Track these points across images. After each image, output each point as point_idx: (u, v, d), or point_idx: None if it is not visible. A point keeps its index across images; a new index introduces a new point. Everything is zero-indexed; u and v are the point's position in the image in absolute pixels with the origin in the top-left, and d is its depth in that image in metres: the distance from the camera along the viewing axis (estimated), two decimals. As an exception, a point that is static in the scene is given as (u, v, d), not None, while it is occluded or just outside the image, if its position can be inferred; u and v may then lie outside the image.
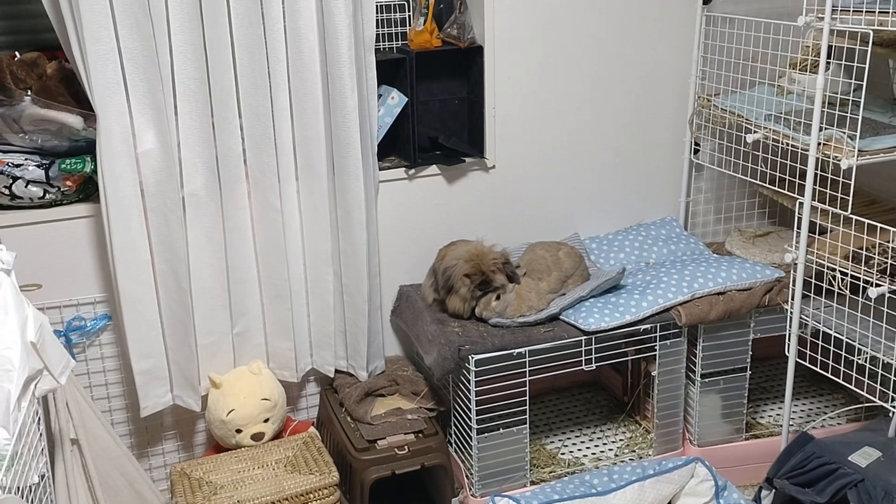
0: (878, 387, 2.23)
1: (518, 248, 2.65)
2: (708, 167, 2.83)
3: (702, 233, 2.95)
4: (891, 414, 2.22)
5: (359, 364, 2.49)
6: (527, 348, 2.25)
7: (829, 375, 2.34)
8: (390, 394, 2.46)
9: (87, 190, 2.24)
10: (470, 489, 2.24)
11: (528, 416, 2.26)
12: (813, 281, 2.32)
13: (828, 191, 2.24)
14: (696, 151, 2.82)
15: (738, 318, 2.46)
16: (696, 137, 2.79)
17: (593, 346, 2.31)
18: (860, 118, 2.15)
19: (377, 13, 2.40)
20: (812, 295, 2.30)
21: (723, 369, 2.50)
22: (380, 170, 2.46)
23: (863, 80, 2.10)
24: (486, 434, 2.22)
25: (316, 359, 2.53)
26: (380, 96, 2.46)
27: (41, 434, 1.69)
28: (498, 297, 2.34)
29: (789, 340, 2.36)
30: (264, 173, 2.32)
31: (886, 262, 2.13)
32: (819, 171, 2.24)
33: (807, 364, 2.39)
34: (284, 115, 2.30)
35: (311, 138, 2.35)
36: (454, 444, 2.33)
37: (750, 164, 2.54)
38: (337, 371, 2.52)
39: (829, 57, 2.16)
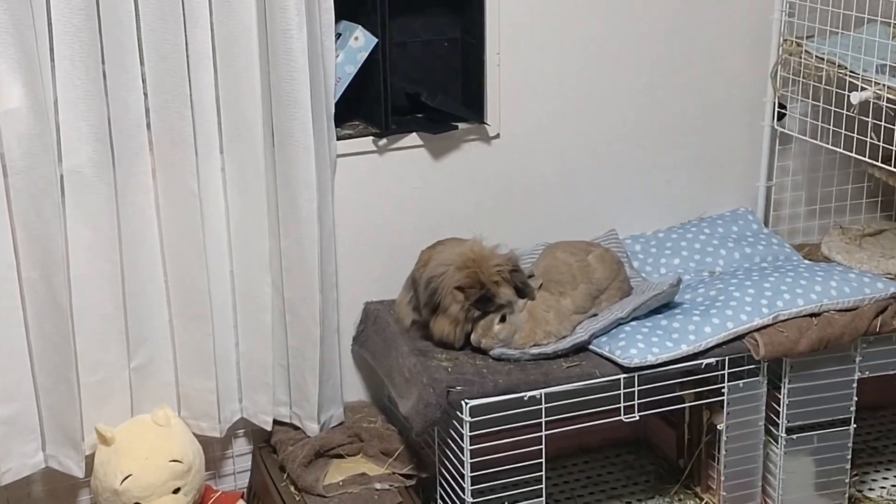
0: None
1: (532, 250, 2.66)
2: (797, 138, 2.84)
3: (788, 230, 2.95)
4: None
5: (307, 412, 2.51)
6: (543, 391, 2.26)
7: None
8: (351, 454, 2.48)
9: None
10: (463, 589, 2.29)
11: (544, 487, 2.27)
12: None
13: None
14: (781, 117, 2.82)
15: (838, 349, 2.48)
16: (780, 97, 2.80)
17: (636, 389, 2.32)
18: None
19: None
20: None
21: (817, 421, 2.52)
22: (338, 139, 2.48)
23: None
24: (485, 511, 2.28)
25: (247, 405, 2.55)
26: (339, 36, 2.46)
27: None
28: (503, 319, 2.36)
29: (911, 382, 2.46)
30: (175, 143, 2.30)
31: None
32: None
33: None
34: (204, 62, 2.31)
35: (242, 94, 2.33)
36: (441, 526, 2.39)
37: (856, 135, 2.54)
38: (277, 422, 2.55)
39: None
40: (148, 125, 2.31)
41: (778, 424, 2.51)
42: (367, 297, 2.62)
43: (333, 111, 2.44)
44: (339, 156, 2.50)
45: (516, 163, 2.70)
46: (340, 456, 2.47)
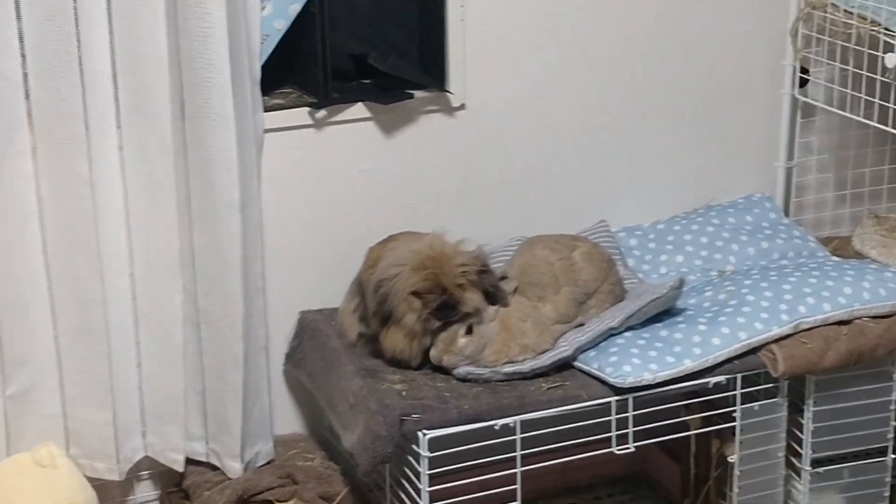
0: None
1: (505, 246, 2.66)
2: (823, 110, 2.86)
3: (813, 220, 2.97)
4: None
5: (228, 449, 2.51)
6: (518, 418, 2.26)
7: None
8: (283, 499, 2.47)
9: None
10: None
11: (520, 535, 2.27)
12: None
13: None
14: (804, 84, 2.83)
15: (872, 363, 2.49)
16: (802, 60, 2.81)
17: (630, 414, 2.32)
18: None
19: None
20: None
21: (848, 451, 2.54)
22: (266, 110, 2.49)
23: None
24: (448, 566, 2.26)
25: (153, 440, 2.54)
26: (265, -17, 2.51)
27: None
28: (469, 331, 2.36)
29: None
30: (62, 116, 2.29)
31: None
32: None
33: None
34: (97, 17, 2.29)
35: (144, 55, 2.31)
36: (394, 585, 2.39)
37: (893, 105, 2.55)
38: (190, 461, 2.56)
39: None
40: (27, 94, 2.27)
41: (801, 456, 2.51)
42: (303, 306, 2.62)
43: (259, 76, 2.44)
44: (266, 131, 2.50)
45: (485, 139, 2.69)
46: (270, 502, 2.45)
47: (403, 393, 2.30)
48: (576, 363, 2.41)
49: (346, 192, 2.62)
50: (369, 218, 2.61)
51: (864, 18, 2.58)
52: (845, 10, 2.64)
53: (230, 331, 2.43)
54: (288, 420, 2.68)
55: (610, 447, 2.34)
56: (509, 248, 2.63)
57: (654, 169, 2.84)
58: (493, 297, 2.39)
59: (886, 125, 2.60)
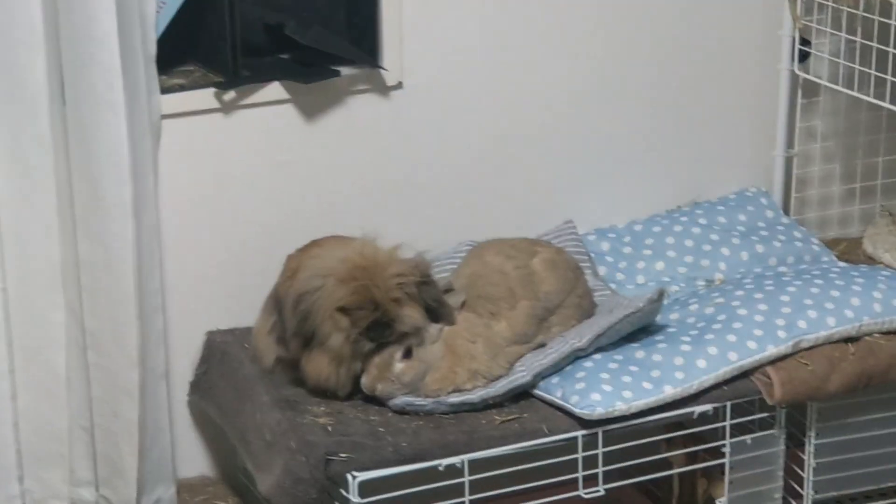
0: None
1: (452, 252, 2.66)
2: (828, 88, 2.86)
3: (818, 219, 2.98)
4: None
5: (122, 496, 2.51)
6: (466, 457, 2.26)
7: None
8: (189, 555, 2.51)
9: None
10: None
11: None
12: None
13: None
14: (805, 57, 2.84)
15: (884, 388, 2.49)
16: (802, 30, 2.81)
17: (600, 451, 2.33)
18: None
19: None
20: None
21: (857, 492, 2.55)
22: (164, 92, 2.49)
23: None
24: None
25: (32, 486, 2.53)
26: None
27: None
28: (408, 354, 2.36)
29: None
30: None
31: None
32: None
33: None
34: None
35: (13, 26, 2.29)
36: None
37: None
38: (77, 510, 2.57)
39: None
40: None
41: (802, 497, 2.53)
42: (211, 326, 2.62)
43: (155, 52, 2.44)
44: (164, 117, 2.49)
45: (427, 125, 2.69)
46: (172, 559, 2.50)
47: (329, 428, 2.29)
48: (535, 391, 2.41)
49: (260, 190, 2.60)
50: (288, 220, 2.60)
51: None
52: (854, -30, 2.65)
53: (123, 356, 2.43)
54: (194, 461, 2.67)
55: (577, 490, 2.34)
56: (456, 256, 2.62)
57: (629, 159, 2.85)
58: (437, 313, 2.38)
59: (902, 107, 2.60)
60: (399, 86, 2.64)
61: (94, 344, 2.44)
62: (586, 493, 2.33)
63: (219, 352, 2.55)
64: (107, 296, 2.41)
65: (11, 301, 2.43)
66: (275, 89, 2.56)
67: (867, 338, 2.48)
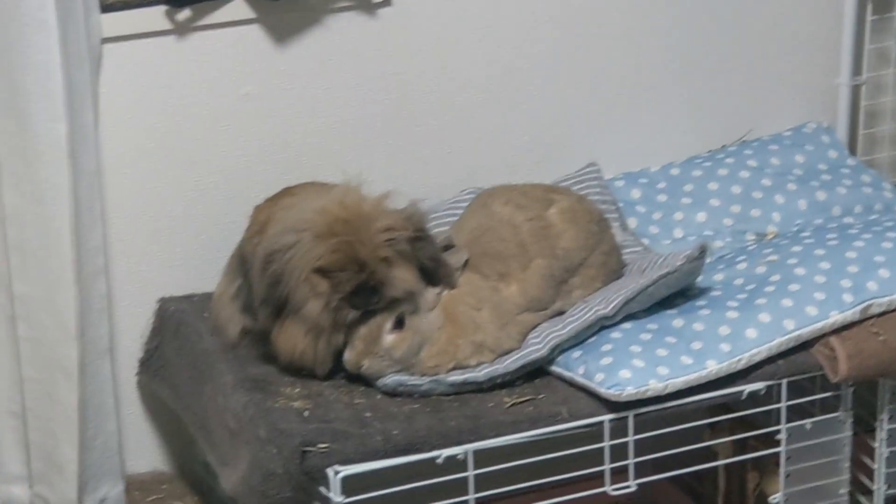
0: None
1: (452, 201, 2.67)
2: None
3: (891, 160, 3.00)
4: None
5: (60, 494, 2.52)
6: (470, 447, 2.26)
7: None
8: (141, 565, 2.51)
9: None
10: None
11: None
12: None
13: None
14: None
15: None
16: None
17: (631, 438, 2.33)
18: None
19: None
20: None
21: None
22: (104, 10, 2.52)
23: None
24: None
25: None
26: None
27: None
28: (399, 324, 2.35)
29: None
30: None
31: None
32: None
33: None
34: None
35: None
36: None
37: None
38: (8, 511, 2.60)
39: None
40: None
41: (872, 492, 2.53)
42: (163, 292, 2.62)
43: None
44: (105, 40, 2.49)
45: (421, 49, 2.68)
46: (121, 570, 2.50)
47: (306, 413, 2.28)
48: (553, 368, 2.40)
49: (221, 128, 2.60)
50: (255, 164, 2.60)
51: None
52: None
53: (58, 328, 2.43)
54: (145, 453, 2.68)
55: (603, 486, 2.33)
56: (457, 205, 2.62)
57: (663, 89, 2.85)
58: (434, 275, 2.38)
59: None
60: (387, 2, 2.64)
61: (24, 313, 2.45)
62: (614, 490, 2.33)
63: (173, 322, 2.55)
64: (38, 256, 2.42)
65: None
66: (238, 7, 2.56)
67: (952, 304, 2.47)
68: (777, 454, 2.44)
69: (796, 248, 2.56)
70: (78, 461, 2.46)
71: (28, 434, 2.50)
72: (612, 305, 2.40)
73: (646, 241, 2.69)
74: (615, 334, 2.40)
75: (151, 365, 2.59)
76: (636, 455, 2.32)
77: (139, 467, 2.64)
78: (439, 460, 2.23)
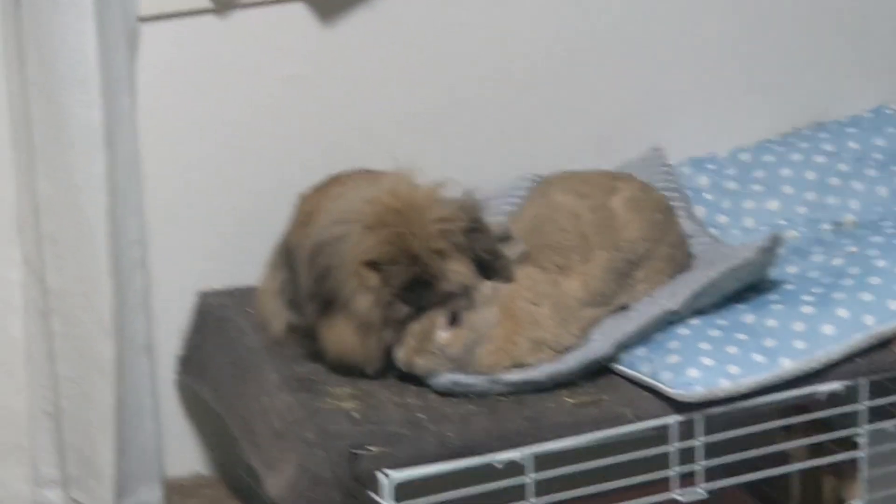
0: None
1: (510, 189, 2.68)
2: None
3: None
4: None
5: (96, 498, 2.54)
6: (530, 450, 2.25)
7: None
8: (181, 573, 2.53)
9: None
10: None
11: None
12: None
13: None
14: None
15: None
16: None
17: (699, 441, 2.33)
18: None
19: None
20: None
21: None
22: None
23: None
24: None
25: None
26: None
27: None
28: (454, 320, 2.35)
29: None
30: None
31: None
32: None
33: None
34: None
35: None
36: None
37: None
38: (40, 512, 2.63)
39: None
40: None
41: None
42: (203, 284, 2.63)
43: None
44: (142, 20, 2.50)
45: (479, 26, 2.69)
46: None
47: (355, 414, 2.28)
48: (617, 366, 2.40)
49: (264, 112, 2.61)
50: (300, 150, 2.61)
51: None
52: None
53: (93, 323, 2.44)
54: (185, 456, 2.69)
55: (669, 491, 2.32)
56: (515, 193, 2.62)
57: (732, 68, 2.85)
58: (490, 268, 2.37)
59: None
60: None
61: (59, 308, 2.46)
62: (682, 495, 2.32)
63: (214, 318, 2.56)
64: (73, 248, 2.43)
65: None
66: (281, -19, 2.59)
67: None
68: (856, 459, 2.43)
69: (876, 239, 2.56)
70: (115, 464, 2.47)
71: (63, 435, 2.51)
72: (679, 300, 2.39)
73: (714, 232, 2.68)
74: (683, 331, 2.39)
75: (191, 363, 2.61)
76: (705, 459, 2.31)
77: (179, 471, 2.66)
78: (497, 464, 2.22)
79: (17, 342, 2.46)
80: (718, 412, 2.30)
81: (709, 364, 2.30)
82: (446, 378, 2.32)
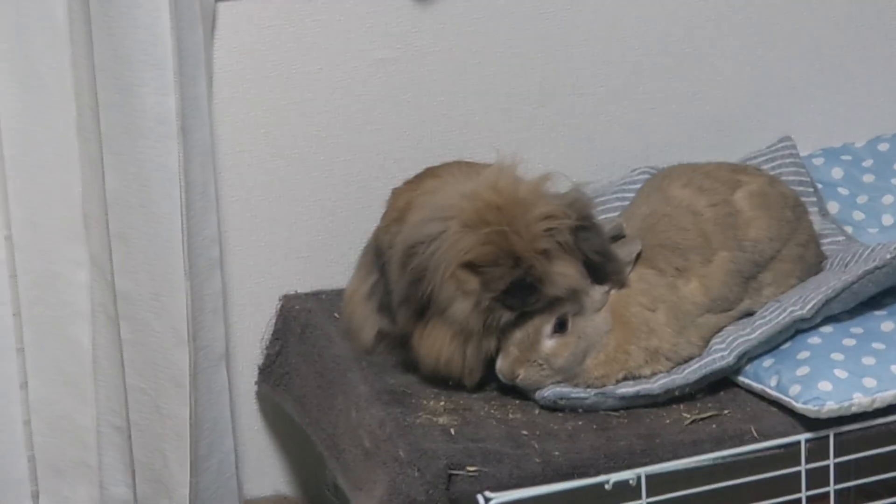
0: None
1: (622, 183, 2.68)
2: None
3: None
4: None
5: None
6: (643, 470, 2.25)
7: None
8: None
9: None
10: None
11: None
12: None
13: None
14: None
15: None
16: None
17: (831, 461, 2.32)
18: None
19: None
20: None
21: None
22: None
23: None
24: None
25: (49, 499, 2.59)
26: None
27: None
28: (561, 328, 2.35)
29: None
30: None
31: None
32: None
33: None
34: None
35: None
36: None
37: None
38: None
39: None
40: None
41: None
42: (287, 288, 2.65)
43: None
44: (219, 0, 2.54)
45: (588, 8, 2.68)
46: None
47: (452, 431, 2.29)
48: (740, 378, 2.39)
49: (352, 99, 2.63)
50: (391, 141, 2.62)
51: None
52: None
53: (167, 330, 2.48)
54: (265, 474, 2.72)
55: None
56: (628, 188, 2.62)
57: (869, 51, 2.84)
58: (601, 270, 2.38)
59: None
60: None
61: (129, 314, 2.49)
62: None
63: (298, 324, 2.57)
64: (144, 248, 2.45)
65: (19, 255, 2.49)
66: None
67: None
68: None
69: None
70: (189, 483, 2.50)
71: (133, 452, 2.54)
72: (809, 306, 2.37)
73: (849, 230, 2.67)
74: (813, 339, 2.38)
75: (273, 373, 2.63)
76: (837, 481, 2.30)
77: (259, 490, 2.69)
78: (607, 486, 2.22)
79: (84, 350, 2.48)
80: (852, 429, 2.29)
81: (842, 376, 2.29)
82: (552, 391, 2.32)
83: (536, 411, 2.33)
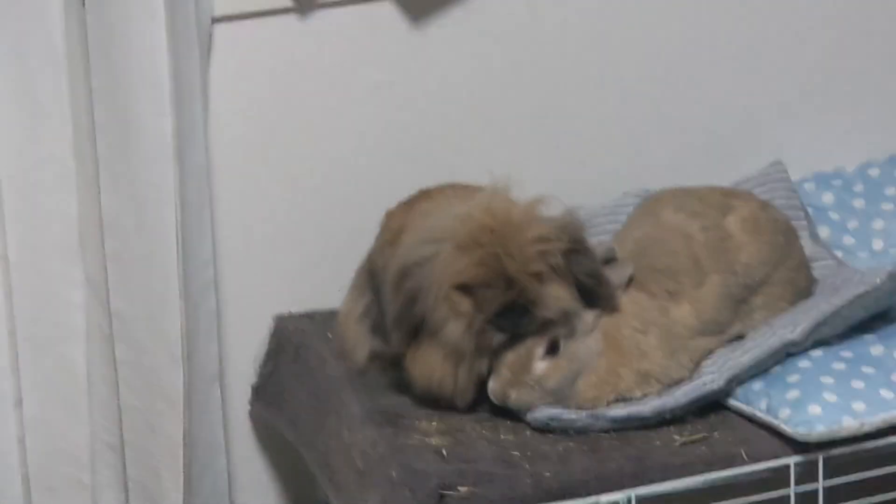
0: None
1: (614, 206, 2.68)
2: None
3: None
4: None
5: None
6: (633, 492, 2.27)
7: None
8: None
9: None
10: None
11: None
12: None
13: None
14: None
15: None
16: None
17: (820, 485, 2.33)
18: None
19: None
20: None
21: None
22: None
23: None
24: None
25: None
26: None
27: None
28: (553, 350, 2.37)
29: None
30: None
31: None
32: None
33: None
34: None
35: None
36: None
37: None
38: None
39: None
40: None
41: None
42: (280, 308, 2.65)
43: None
44: (216, 20, 2.54)
45: (580, 29, 2.69)
46: None
47: (444, 451, 2.30)
48: (730, 401, 2.42)
49: (348, 121, 2.63)
50: (386, 162, 2.63)
51: None
52: None
53: (161, 349, 2.49)
54: (258, 493, 2.72)
55: None
56: (620, 211, 2.63)
57: (861, 76, 2.85)
58: (593, 293, 2.39)
59: None
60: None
61: (123, 333, 2.50)
62: None
63: (291, 345, 2.58)
64: (139, 268, 2.46)
65: (15, 275, 2.48)
66: (370, -21, 2.59)
67: None
68: None
69: None
70: (183, 502, 2.49)
71: (127, 470, 2.54)
72: (799, 329, 2.39)
73: (839, 254, 2.69)
74: (803, 363, 2.40)
75: (266, 393, 2.63)
76: None
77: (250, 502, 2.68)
78: None
79: (79, 369, 2.49)
80: (842, 453, 2.30)
81: (832, 400, 2.30)
82: (543, 413, 2.34)
83: (528, 432, 2.34)
